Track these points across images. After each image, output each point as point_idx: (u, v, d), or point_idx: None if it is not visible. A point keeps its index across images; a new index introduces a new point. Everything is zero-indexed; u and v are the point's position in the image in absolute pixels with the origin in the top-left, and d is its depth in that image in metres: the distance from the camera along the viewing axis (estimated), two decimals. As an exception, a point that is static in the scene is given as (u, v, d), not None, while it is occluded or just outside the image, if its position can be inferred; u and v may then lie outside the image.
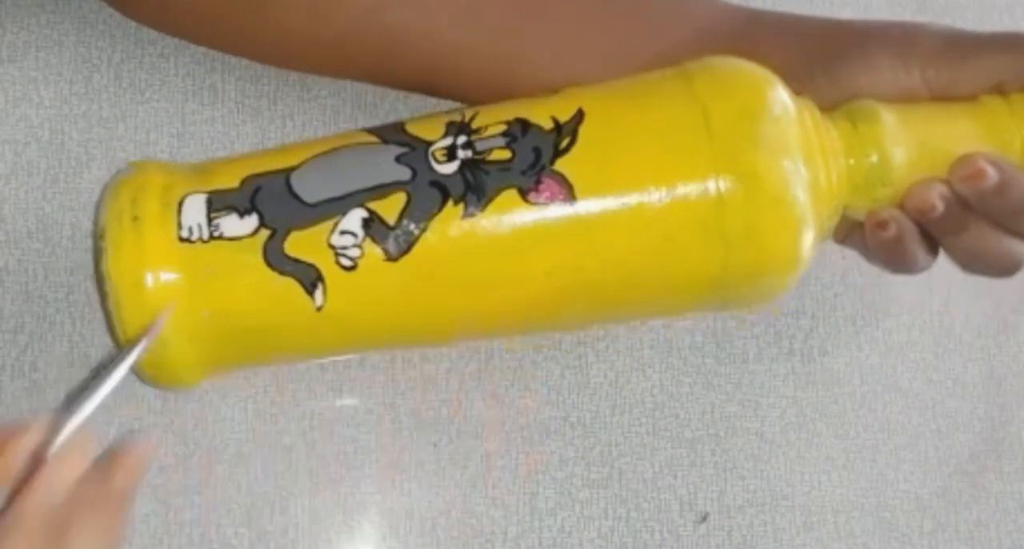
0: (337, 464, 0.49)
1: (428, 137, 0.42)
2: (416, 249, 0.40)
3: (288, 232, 0.40)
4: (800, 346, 0.55)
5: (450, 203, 0.40)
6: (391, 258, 0.40)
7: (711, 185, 0.40)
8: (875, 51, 0.43)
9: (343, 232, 0.40)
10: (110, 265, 0.40)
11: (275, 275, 0.40)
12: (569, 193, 0.40)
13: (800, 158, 0.40)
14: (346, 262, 0.40)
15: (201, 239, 0.40)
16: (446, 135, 0.42)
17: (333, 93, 0.53)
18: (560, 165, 0.41)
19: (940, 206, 0.40)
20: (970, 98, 0.43)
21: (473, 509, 0.50)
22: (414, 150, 0.42)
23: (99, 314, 0.49)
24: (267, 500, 0.48)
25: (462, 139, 0.42)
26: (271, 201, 0.41)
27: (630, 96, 0.43)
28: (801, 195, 0.40)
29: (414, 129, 0.43)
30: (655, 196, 0.40)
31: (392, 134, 0.43)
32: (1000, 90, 0.43)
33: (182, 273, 0.40)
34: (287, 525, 0.48)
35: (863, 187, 0.42)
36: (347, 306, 0.41)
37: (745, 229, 0.40)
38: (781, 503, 0.52)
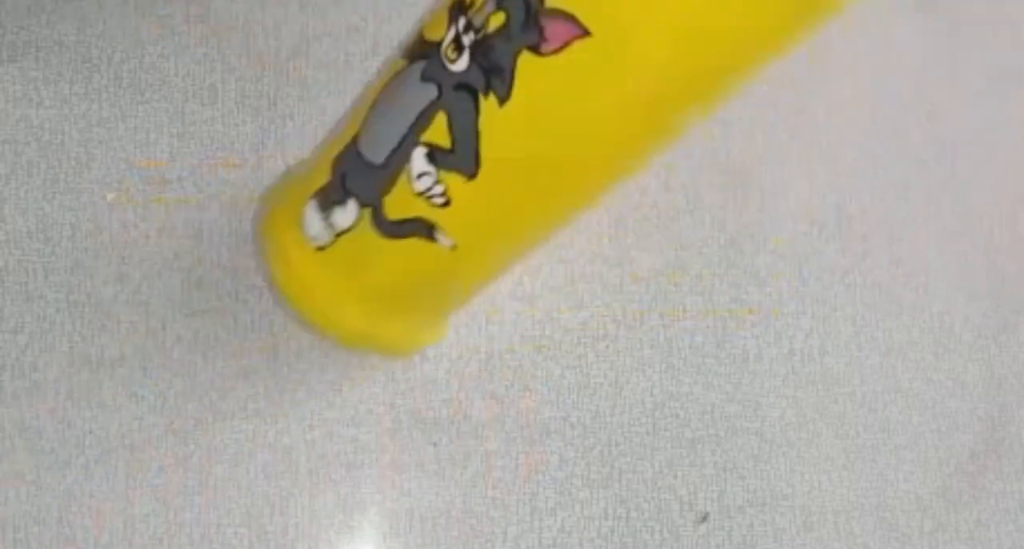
0: (337, 464, 0.49)
1: (437, 36, 0.41)
2: (484, 156, 0.40)
3: (381, 201, 0.41)
4: (800, 346, 0.55)
5: (482, 98, 0.39)
6: (471, 176, 0.40)
7: None
8: None
9: (419, 175, 0.41)
10: (281, 293, 0.45)
11: (397, 242, 0.41)
12: (574, 24, 0.37)
13: None
14: (439, 201, 0.41)
15: (329, 242, 0.43)
16: (449, 25, 0.40)
17: (333, 93, 0.53)
18: (551, 1, 0.37)
19: None
20: None
21: (473, 509, 0.50)
22: (431, 60, 0.41)
23: (99, 314, 0.49)
24: (267, 500, 0.48)
25: (462, 22, 0.40)
26: (355, 179, 0.42)
27: None
28: None
29: (428, 33, 0.42)
30: None
31: (415, 47, 0.42)
32: None
33: (331, 276, 0.43)
34: (287, 525, 0.48)
35: None
36: (471, 232, 0.42)
37: None
38: (781, 503, 0.52)
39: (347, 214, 0.42)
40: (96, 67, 0.51)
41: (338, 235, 0.42)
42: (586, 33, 0.37)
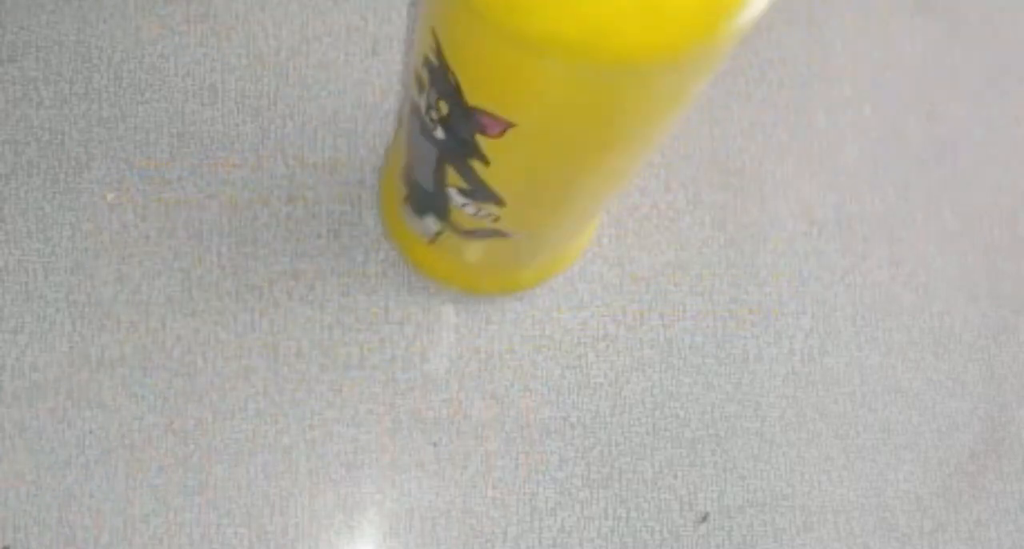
0: (337, 464, 0.49)
1: (418, 100, 0.43)
2: (500, 192, 0.44)
3: (450, 218, 0.47)
4: (800, 346, 0.55)
5: (470, 160, 0.43)
6: (501, 205, 0.45)
7: None
8: None
9: (463, 205, 0.45)
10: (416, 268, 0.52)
11: (478, 240, 0.47)
12: (502, 119, 0.40)
13: None
14: (489, 219, 0.46)
15: (432, 238, 0.48)
16: (420, 96, 0.43)
17: (333, 93, 0.53)
18: (472, 100, 0.40)
19: None
20: None
21: (473, 509, 0.50)
22: (420, 119, 0.43)
23: (99, 314, 0.49)
24: (267, 500, 0.48)
25: (424, 102, 0.43)
26: (422, 200, 0.47)
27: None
28: None
29: (412, 89, 0.44)
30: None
31: (411, 101, 0.45)
32: None
33: (444, 257, 0.50)
34: (287, 525, 0.48)
35: None
36: (525, 227, 0.46)
37: None
38: (781, 503, 0.52)
39: (433, 223, 0.48)
40: (96, 67, 0.51)
41: (437, 233, 0.48)
42: (511, 124, 0.41)
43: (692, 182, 0.55)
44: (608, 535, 0.51)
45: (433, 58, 0.40)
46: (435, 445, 0.50)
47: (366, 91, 0.53)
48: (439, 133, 0.43)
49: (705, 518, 0.52)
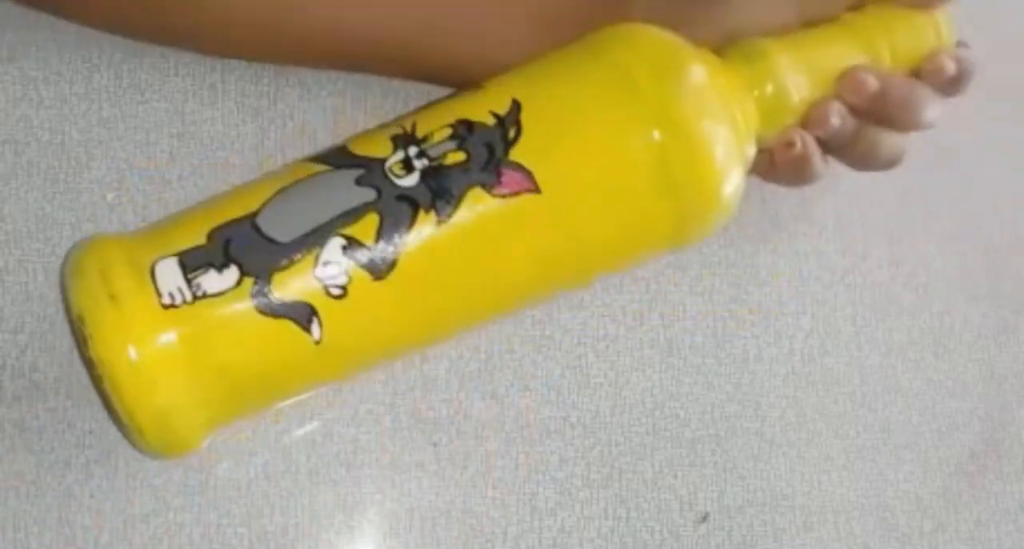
0: (337, 464, 0.49)
1: (378, 154, 0.43)
2: (400, 263, 0.41)
3: (271, 275, 0.40)
4: (800, 346, 0.55)
5: (422, 212, 0.41)
6: (378, 278, 0.41)
7: (653, 143, 0.42)
8: None
9: (326, 263, 0.41)
10: (99, 349, 0.39)
11: (269, 320, 0.40)
12: (530, 179, 0.42)
13: (718, 103, 0.44)
14: (336, 291, 0.41)
15: (185, 301, 0.40)
16: (396, 149, 0.43)
17: (333, 93, 0.53)
18: (514, 155, 0.42)
19: (837, 120, 0.46)
20: (835, 17, 0.48)
21: (473, 509, 0.50)
22: (370, 170, 0.42)
23: (99, 314, 0.49)
24: (267, 500, 0.48)
25: (413, 150, 0.42)
26: (246, 249, 0.41)
27: (556, 78, 0.44)
28: (727, 136, 0.44)
29: (360, 149, 0.43)
30: (608, 165, 0.43)
31: (341, 158, 0.43)
32: (858, 6, 0.48)
33: (175, 340, 0.39)
34: (287, 525, 0.48)
35: (769, 117, 0.46)
36: (345, 332, 0.42)
37: (689, 177, 0.43)
38: (781, 503, 0.52)
39: (223, 279, 0.40)
40: (96, 67, 0.51)
41: (199, 298, 0.40)
42: (536, 190, 0.42)
43: (692, 182, 0.55)
44: (608, 535, 0.51)
45: (489, 117, 0.42)
46: (435, 445, 0.50)
47: (367, 91, 0.53)
48: (408, 180, 0.41)
49: (705, 518, 0.52)
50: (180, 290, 0.40)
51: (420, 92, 0.53)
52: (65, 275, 0.42)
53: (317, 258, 0.41)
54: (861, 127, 0.47)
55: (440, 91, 0.53)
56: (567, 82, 0.44)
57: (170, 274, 0.40)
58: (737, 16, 0.48)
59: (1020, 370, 0.57)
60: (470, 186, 0.42)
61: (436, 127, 0.43)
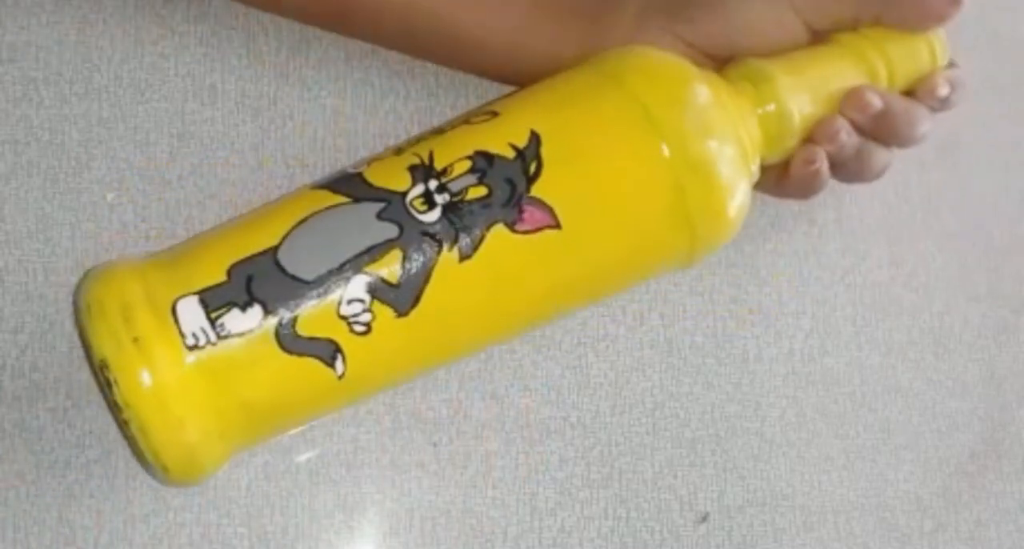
0: (337, 464, 0.49)
1: (398, 187, 0.42)
2: (423, 299, 0.41)
3: (296, 314, 0.40)
4: (800, 346, 0.55)
5: (445, 249, 0.41)
6: (401, 313, 0.41)
7: (669, 175, 0.43)
8: None
9: (350, 301, 0.41)
10: (126, 395, 0.39)
11: (293, 358, 0.41)
12: (551, 216, 0.42)
13: (729, 130, 0.44)
14: (360, 328, 0.41)
15: (210, 342, 0.40)
16: (415, 182, 0.42)
17: (333, 93, 0.53)
18: (536, 191, 0.42)
19: (846, 137, 0.47)
20: (831, 39, 0.49)
21: (473, 509, 0.50)
22: (391, 204, 0.42)
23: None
24: (267, 500, 0.48)
25: (433, 183, 0.42)
26: (269, 287, 0.40)
27: (572, 109, 0.45)
28: (737, 161, 0.44)
29: (378, 180, 0.43)
30: (626, 198, 0.44)
31: (360, 190, 0.43)
32: (855, 25, 0.49)
33: (201, 381, 0.39)
34: (287, 525, 0.48)
35: (772, 137, 0.47)
36: (367, 366, 0.42)
37: (702, 204, 0.44)
38: (781, 503, 0.52)
39: (247, 318, 0.40)
40: (96, 67, 0.51)
41: (223, 338, 0.40)
42: (558, 226, 0.42)
43: (692, 182, 0.55)
44: (608, 535, 0.51)
45: (508, 149, 0.42)
46: (435, 445, 0.50)
47: (366, 91, 0.53)
48: (430, 216, 0.41)
49: (705, 518, 0.52)
50: (204, 331, 0.40)
51: (420, 92, 0.53)
52: (82, 310, 0.41)
53: (342, 296, 0.41)
54: (861, 143, 0.48)
55: (439, 103, 0.53)
56: (583, 113, 0.44)
57: (192, 314, 0.40)
58: (735, 14, 0.48)
59: (1020, 370, 0.57)
60: (492, 223, 0.42)
61: (454, 158, 0.43)
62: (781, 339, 0.54)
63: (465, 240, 0.41)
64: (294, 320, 0.40)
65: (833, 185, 0.50)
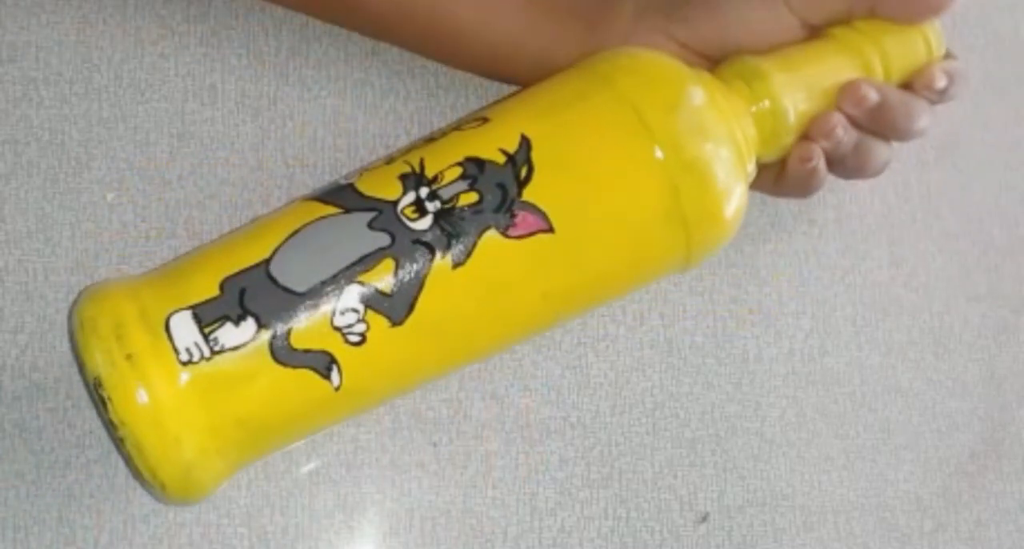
0: (337, 464, 0.49)
1: (388, 196, 0.42)
2: (417, 307, 0.41)
3: (290, 326, 0.40)
4: (800, 346, 0.55)
5: (438, 257, 0.41)
6: (395, 323, 0.41)
7: (663, 178, 0.43)
8: None
9: (344, 311, 0.40)
10: (120, 413, 0.39)
11: (288, 370, 0.40)
12: (544, 220, 0.42)
13: (723, 130, 0.44)
14: (354, 339, 0.41)
15: (204, 357, 0.39)
16: (406, 190, 0.42)
17: (333, 93, 0.53)
18: (527, 195, 0.42)
19: (843, 132, 0.46)
20: (825, 33, 0.48)
21: (473, 509, 0.50)
22: (382, 213, 0.42)
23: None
24: (267, 500, 0.48)
25: (424, 191, 0.42)
26: (261, 300, 0.40)
27: (562, 113, 0.44)
28: (732, 162, 0.44)
29: (369, 189, 0.43)
30: (619, 200, 0.43)
31: (351, 200, 0.42)
32: (849, 18, 0.48)
33: (195, 397, 0.39)
34: (287, 525, 0.48)
35: (767, 135, 0.47)
36: (363, 377, 0.42)
37: (698, 206, 0.43)
38: (781, 503, 0.52)
39: (241, 332, 0.40)
40: (96, 67, 0.51)
41: (217, 353, 0.39)
42: (551, 229, 0.42)
43: (692, 182, 0.55)
44: (608, 535, 0.51)
45: (499, 155, 0.42)
46: (435, 445, 0.50)
47: (366, 91, 0.53)
48: (421, 224, 0.41)
49: (705, 518, 0.52)
50: (197, 346, 0.39)
51: (420, 92, 0.53)
52: (76, 329, 0.41)
53: (335, 307, 0.40)
54: (859, 138, 0.48)
55: (439, 103, 0.53)
56: (574, 117, 0.44)
57: (185, 329, 0.40)
58: (730, 13, 0.48)
59: (1020, 370, 0.57)
60: (485, 229, 0.41)
61: (445, 165, 0.43)
62: (781, 339, 0.54)
63: (458, 247, 0.41)
64: (288, 332, 0.40)
65: (833, 184, 0.50)
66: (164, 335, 0.40)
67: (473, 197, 0.42)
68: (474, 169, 0.42)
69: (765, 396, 0.53)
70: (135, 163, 0.51)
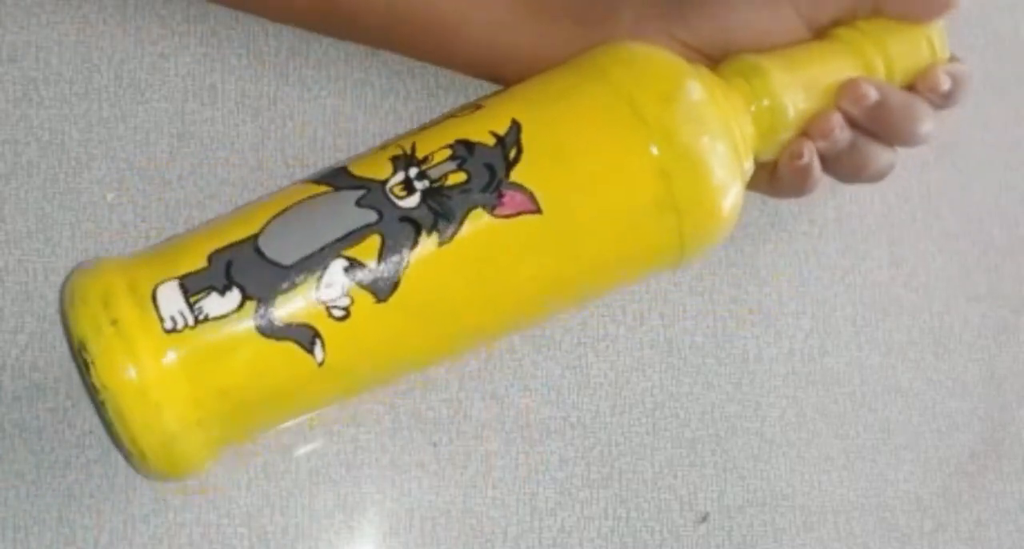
0: (337, 464, 0.49)
1: (379, 176, 0.43)
2: (402, 285, 0.41)
3: (274, 298, 0.40)
4: (800, 346, 0.55)
5: (424, 234, 0.41)
6: (380, 299, 0.41)
7: (654, 164, 0.43)
8: None
9: (328, 285, 0.41)
10: (102, 376, 0.39)
11: (272, 342, 0.40)
12: (531, 200, 0.42)
13: (719, 124, 0.44)
14: (338, 313, 0.41)
15: (188, 325, 0.40)
16: (396, 171, 0.43)
17: (333, 93, 0.53)
18: (515, 176, 0.42)
19: (839, 131, 0.46)
20: (828, 33, 0.48)
21: (473, 509, 0.50)
22: (370, 191, 0.42)
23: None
24: (267, 500, 0.48)
25: (414, 171, 0.42)
26: (248, 271, 0.40)
27: (555, 99, 0.45)
28: (727, 154, 0.44)
29: (360, 170, 0.43)
30: (610, 186, 0.43)
31: (342, 180, 0.43)
32: (852, 18, 0.48)
33: (178, 364, 0.39)
34: (287, 525, 0.48)
35: (766, 133, 0.46)
36: (347, 354, 0.42)
37: (691, 197, 0.43)
38: (781, 503, 0.52)
39: (225, 302, 0.40)
40: (96, 67, 0.51)
41: (201, 321, 0.40)
42: (538, 210, 0.42)
43: (692, 182, 0.55)
44: (608, 535, 0.51)
45: (489, 137, 0.42)
46: (435, 445, 0.50)
47: (366, 91, 0.53)
48: (409, 202, 0.41)
49: (705, 518, 0.52)
50: (182, 314, 0.40)
51: (420, 92, 0.53)
52: (65, 301, 0.41)
53: (319, 280, 0.41)
54: (857, 139, 0.48)
55: (439, 103, 0.53)
56: (566, 103, 0.44)
57: (172, 298, 0.40)
58: (733, 13, 0.48)
59: (1020, 370, 0.57)
60: (471, 207, 0.42)
61: (436, 147, 0.43)
62: (781, 339, 0.54)
63: (444, 224, 0.41)
64: (272, 304, 0.40)
65: (833, 185, 0.50)
66: (151, 304, 0.40)
67: (461, 176, 0.42)
68: (463, 150, 0.43)
69: (765, 396, 0.53)
70: (135, 163, 0.51)
